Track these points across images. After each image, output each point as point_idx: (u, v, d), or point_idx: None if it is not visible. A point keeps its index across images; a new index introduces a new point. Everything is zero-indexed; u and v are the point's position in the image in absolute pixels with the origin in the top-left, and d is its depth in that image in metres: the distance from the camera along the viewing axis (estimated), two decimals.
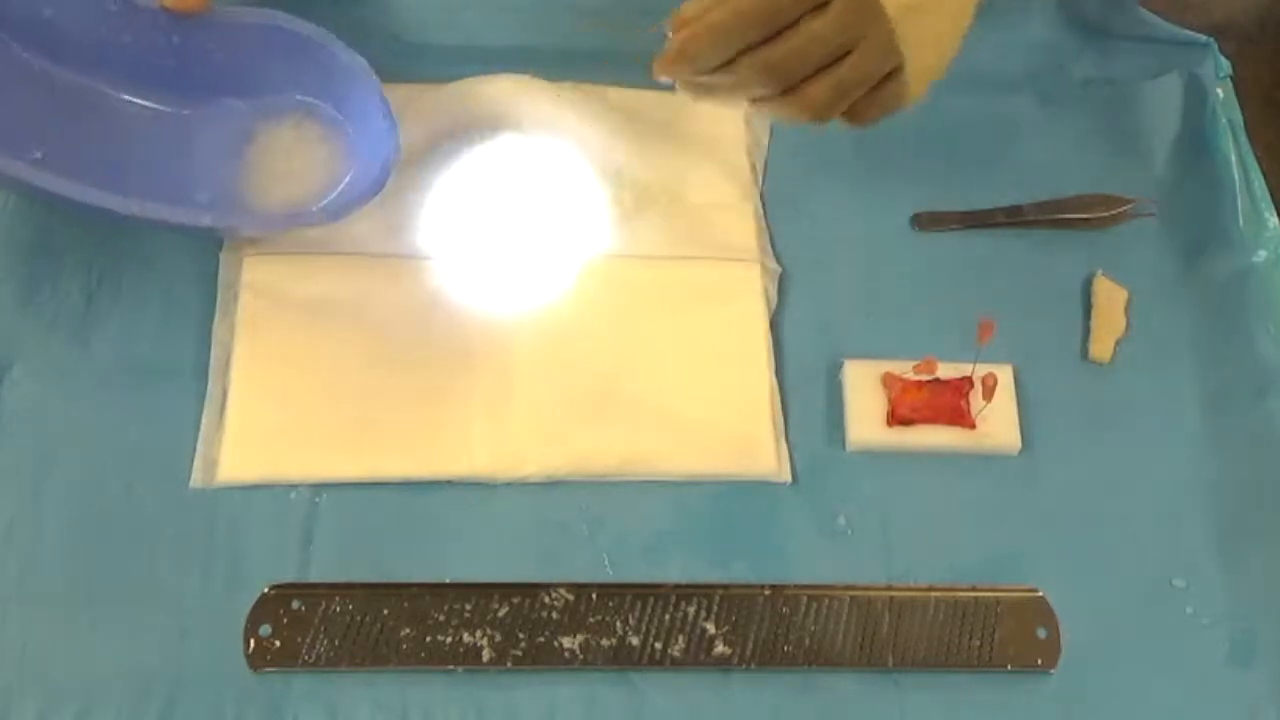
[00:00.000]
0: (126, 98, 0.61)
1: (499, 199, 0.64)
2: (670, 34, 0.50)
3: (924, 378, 0.60)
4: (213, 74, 0.61)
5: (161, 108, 0.62)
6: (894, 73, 0.51)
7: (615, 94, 0.68)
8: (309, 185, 0.61)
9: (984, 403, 0.60)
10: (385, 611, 0.54)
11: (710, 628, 0.54)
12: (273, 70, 0.62)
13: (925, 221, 0.67)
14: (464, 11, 0.69)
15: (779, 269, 0.64)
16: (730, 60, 0.50)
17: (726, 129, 0.68)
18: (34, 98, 0.59)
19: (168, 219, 0.55)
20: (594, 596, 0.55)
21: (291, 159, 0.62)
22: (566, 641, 0.54)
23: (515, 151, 0.64)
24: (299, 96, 0.63)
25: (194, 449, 0.57)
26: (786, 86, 0.50)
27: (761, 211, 0.66)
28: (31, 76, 0.59)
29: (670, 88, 0.53)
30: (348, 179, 0.61)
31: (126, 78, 0.61)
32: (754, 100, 0.53)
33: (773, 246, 0.65)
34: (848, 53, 0.49)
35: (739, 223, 0.65)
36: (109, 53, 0.60)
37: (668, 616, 0.54)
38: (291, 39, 0.60)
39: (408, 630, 0.53)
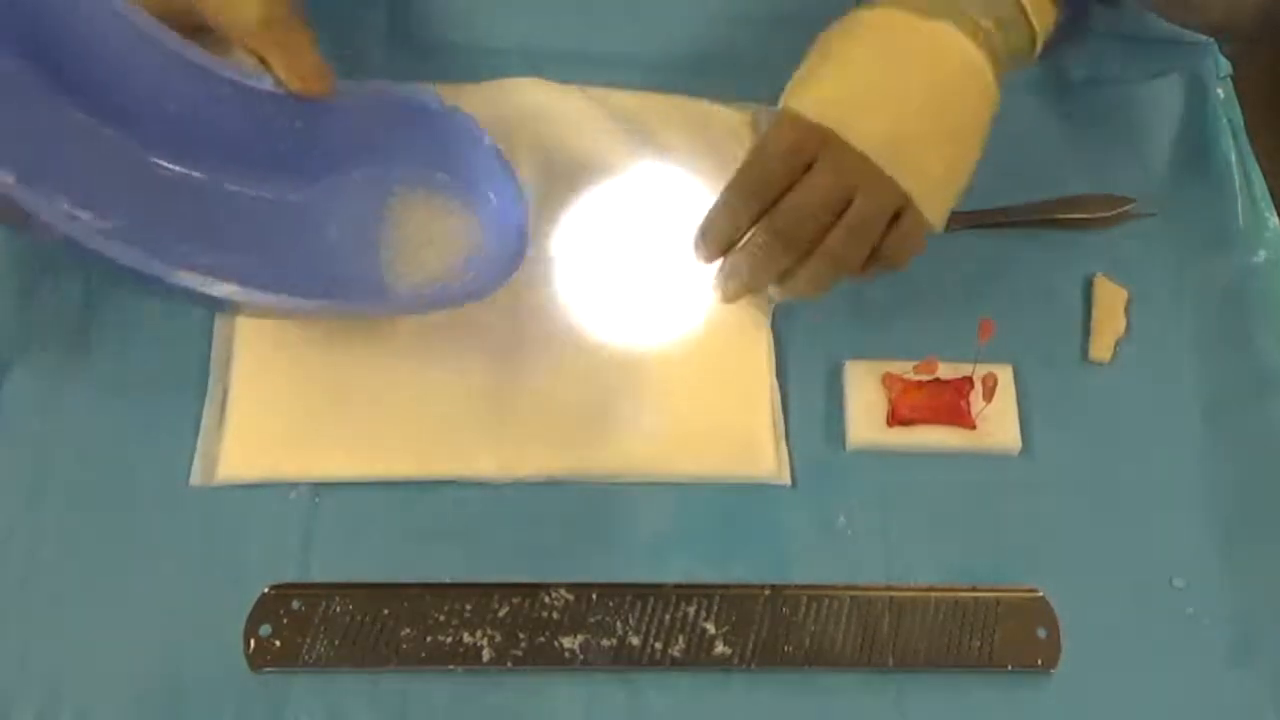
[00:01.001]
0: (247, 190, 0.57)
1: None
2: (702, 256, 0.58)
3: (924, 378, 0.60)
4: (334, 153, 0.58)
5: (284, 193, 0.58)
6: (905, 207, 0.53)
7: (620, 97, 0.68)
8: (446, 259, 0.59)
9: (984, 403, 0.60)
10: (385, 611, 0.54)
11: (710, 628, 0.54)
12: (394, 143, 0.59)
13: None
14: (473, 12, 0.69)
15: None
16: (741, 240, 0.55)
17: (732, 135, 0.68)
18: (173, 201, 0.55)
19: (329, 309, 0.53)
20: (594, 596, 0.55)
21: (428, 233, 0.59)
22: (567, 641, 0.54)
23: (524, 154, 0.64)
24: (422, 169, 0.60)
25: (194, 448, 0.57)
26: (802, 249, 0.54)
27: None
28: (169, 182, 0.55)
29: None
30: (484, 250, 0.59)
31: (247, 166, 0.57)
32: (780, 281, 0.57)
33: None
34: (850, 199, 0.53)
35: None
36: (229, 142, 0.56)
37: (668, 616, 0.54)
38: (410, 109, 0.58)
39: (408, 630, 0.53)
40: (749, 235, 0.56)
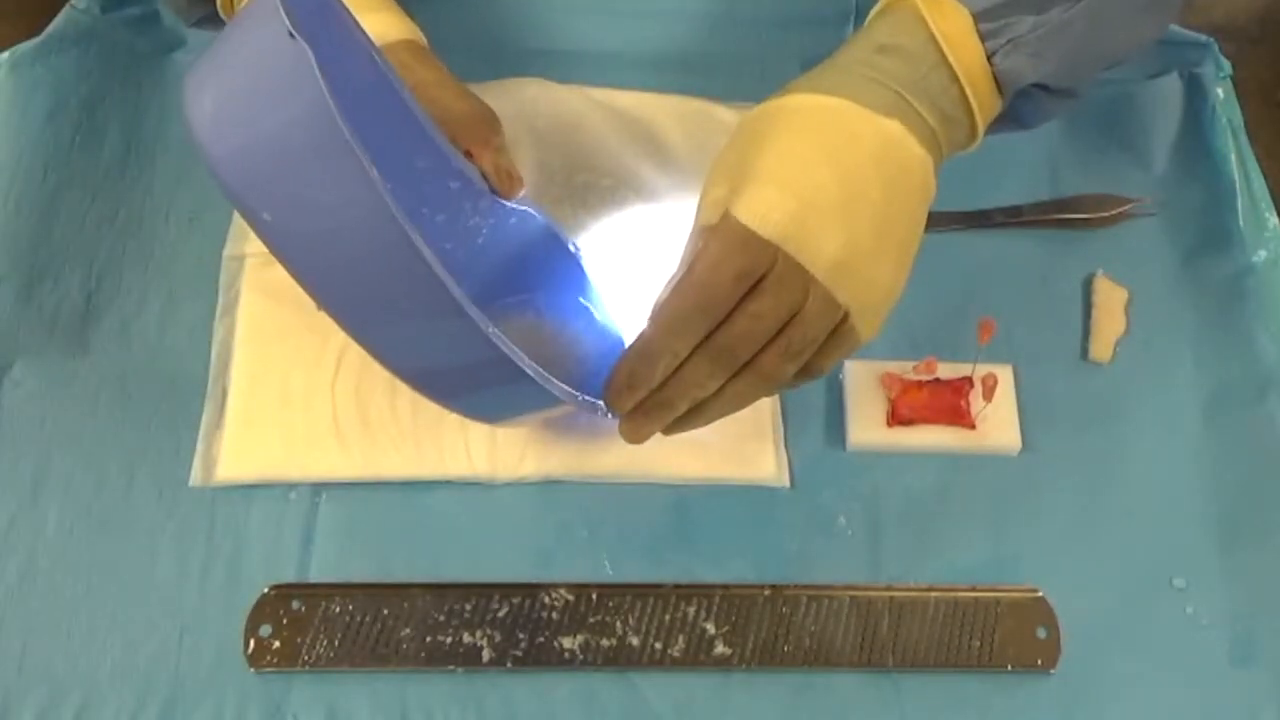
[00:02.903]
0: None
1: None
2: (614, 407, 0.48)
3: (924, 378, 0.60)
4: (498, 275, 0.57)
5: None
6: (841, 323, 0.48)
7: (620, 97, 0.68)
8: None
9: (984, 403, 0.60)
10: (385, 611, 0.54)
11: (710, 628, 0.54)
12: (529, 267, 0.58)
13: (925, 221, 0.67)
14: (474, 13, 0.69)
15: None
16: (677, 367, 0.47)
17: (734, 131, 0.68)
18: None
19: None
20: (594, 596, 0.55)
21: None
22: (566, 642, 0.54)
23: (525, 153, 0.64)
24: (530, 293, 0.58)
25: (194, 449, 0.57)
26: (737, 369, 0.48)
27: None
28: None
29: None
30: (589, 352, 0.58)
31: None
32: (703, 404, 0.49)
33: None
34: (792, 316, 0.47)
35: None
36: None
37: (668, 617, 0.54)
38: (542, 232, 0.58)
39: (408, 630, 0.53)
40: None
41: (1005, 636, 0.55)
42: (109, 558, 0.55)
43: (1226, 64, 0.72)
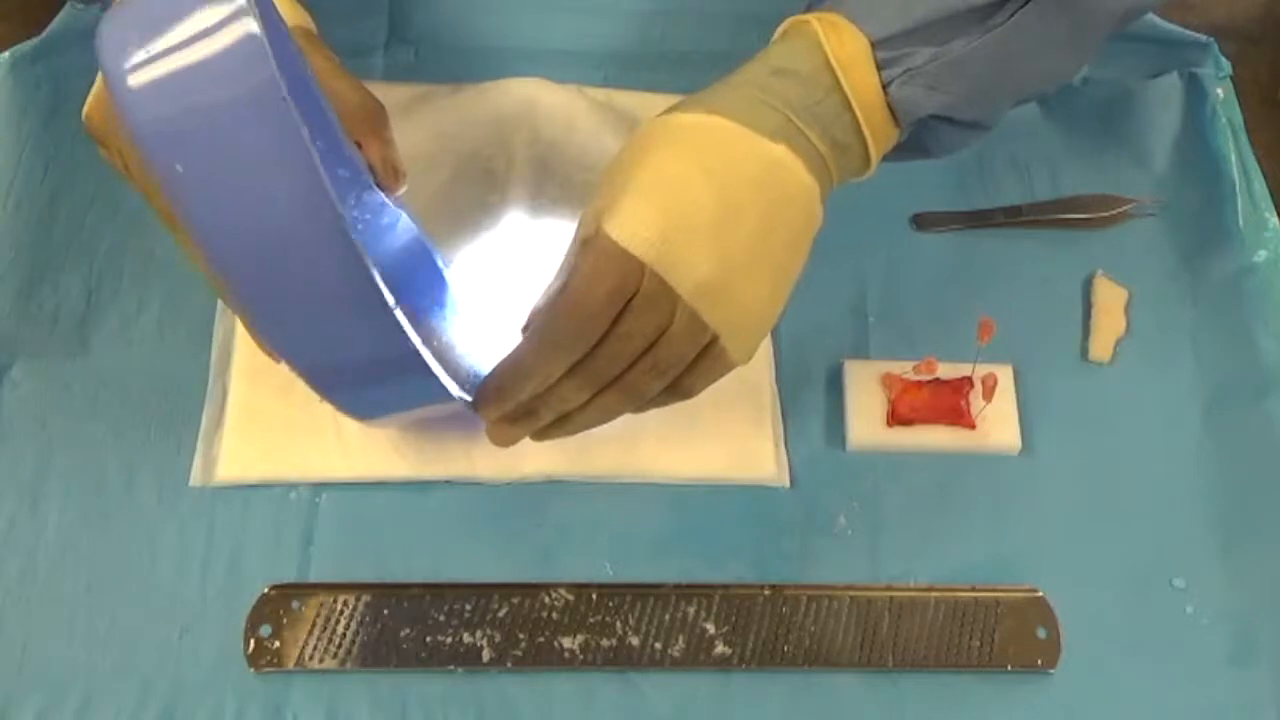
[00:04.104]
0: None
1: (507, 201, 0.64)
2: (485, 416, 0.49)
3: (924, 378, 0.60)
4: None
5: None
6: (710, 344, 0.48)
7: (619, 97, 0.68)
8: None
9: (984, 403, 0.60)
10: (385, 611, 0.54)
11: (710, 628, 0.54)
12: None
13: (925, 221, 0.67)
14: (473, 13, 0.69)
15: None
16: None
17: None
18: None
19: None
20: (594, 596, 0.55)
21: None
22: (566, 641, 0.54)
23: (522, 152, 0.64)
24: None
25: (194, 449, 0.57)
26: (604, 385, 0.48)
27: None
28: None
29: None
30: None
31: None
32: (569, 415, 0.50)
33: None
34: (660, 335, 0.47)
35: None
36: None
37: (668, 616, 0.54)
38: (414, 241, 0.58)
39: (408, 630, 0.53)
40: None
41: (1005, 636, 0.55)
42: (109, 558, 0.55)
43: (1226, 64, 0.72)
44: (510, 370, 0.47)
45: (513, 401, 0.48)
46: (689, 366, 0.48)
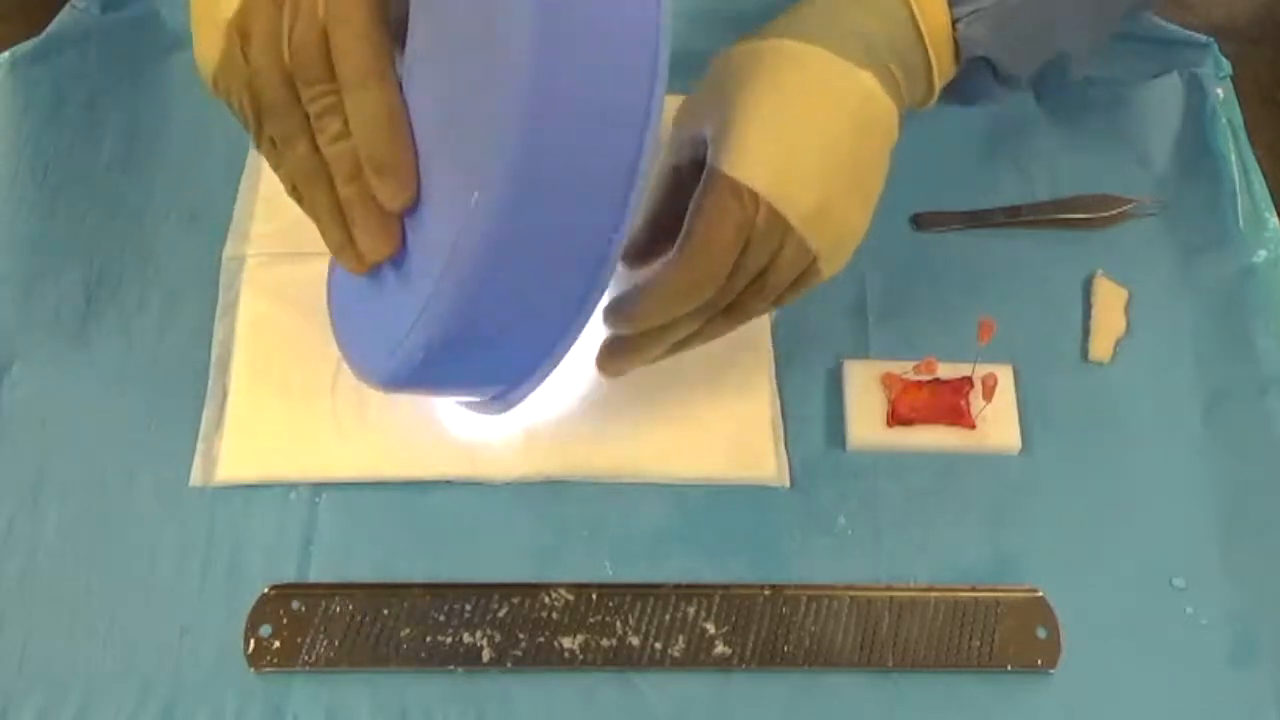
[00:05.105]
0: None
1: None
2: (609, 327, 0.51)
3: (924, 378, 0.60)
4: None
5: None
6: (810, 264, 0.51)
7: None
8: None
9: (984, 403, 0.60)
10: (385, 611, 0.54)
11: (710, 628, 0.54)
12: None
13: (925, 221, 0.67)
14: None
15: None
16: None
17: None
18: None
19: None
20: (594, 596, 0.55)
21: None
22: (566, 641, 0.54)
23: None
24: None
25: (194, 449, 0.57)
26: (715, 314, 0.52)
27: None
28: None
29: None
30: None
31: None
32: (681, 341, 0.53)
33: None
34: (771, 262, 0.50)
35: None
36: None
37: (668, 616, 0.54)
38: None
39: (408, 630, 0.53)
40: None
41: (1005, 636, 0.55)
42: (109, 558, 0.55)
43: (1226, 64, 0.72)
44: (643, 309, 0.50)
45: (645, 324, 0.51)
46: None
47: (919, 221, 0.67)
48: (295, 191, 0.48)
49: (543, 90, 0.39)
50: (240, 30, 0.46)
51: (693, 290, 0.49)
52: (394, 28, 0.48)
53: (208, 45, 0.48)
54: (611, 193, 0.42)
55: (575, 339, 0.46)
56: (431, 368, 0.46)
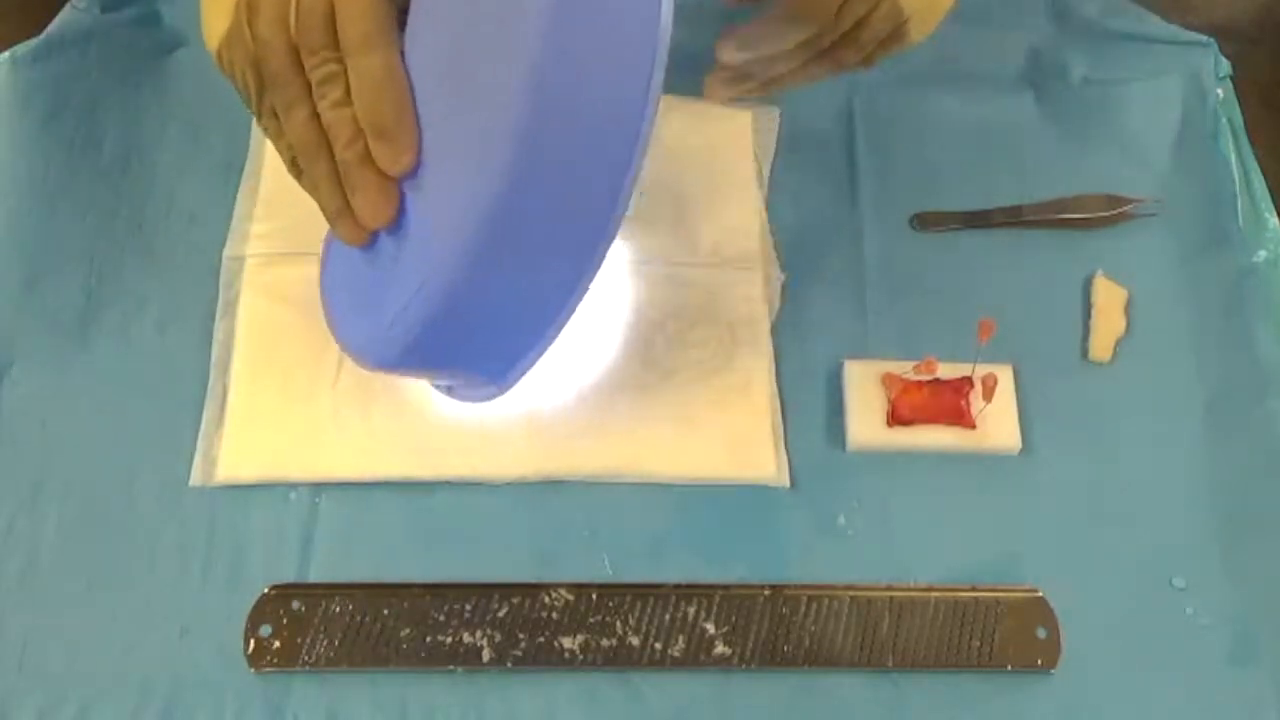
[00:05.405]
0: None
1: None
2: (723, 57, 0.58)
3: (924, 378, 0.60)
4: None
5: None
6: (901, 24, 0.56)
7: None
8: None
9: (984, 403, 0.60)
10: (385, 611, 0.54)
11: (710, 628, 0.54)
12: None
13: (925, 221, 0.67)
14: None
15: (783, 277, 0.64)
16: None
17: (733, 134, 0.68)
18: None
19: None
20: (594, 597, 0.55)
21: None
22: (566, 642, 0.54)
23: None
24: None
25: (194, 448, 0.57)
26: (812, 57, 0.57)
27: (766, 217, 0.66)
28: None
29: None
30: None
31: None
32: (774, 78, 0.59)
33: (774, 249, 0.65)
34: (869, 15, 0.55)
35: (743, 229, 0.65)
36: None
37: (668, 617, 0.54)
38: None
39: (408, 630, 0.53)
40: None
41: (1005, 636, 0.55)
42: (109, 558, 0.55)
43: (1226, 64, 0.72)
44: (754, 32, 0.57)
45: (748, 57, 0.58)
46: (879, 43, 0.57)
47: (919, 221, 0.67)
48: (294, 166, 0.48)
49: (550, 64, 0.39)
50: (249, 4, 0.46)
51: (797, 24, 0.55)
52: (402, 2, 0.48)
53: (215, 19, 0.48)
54: (614, 168, 0.41)
55: (568, 318, 0.45)
56: (426, 345, 0.45)
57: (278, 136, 0.48)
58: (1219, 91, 0.71)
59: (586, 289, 0.45)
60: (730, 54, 0.58)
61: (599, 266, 0.44)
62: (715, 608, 0.55)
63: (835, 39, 0.56)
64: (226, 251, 0.62)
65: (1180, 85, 0.72)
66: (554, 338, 0.46)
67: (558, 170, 0.41)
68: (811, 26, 0.55)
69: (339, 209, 0.47)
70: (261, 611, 0.53)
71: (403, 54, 0.46)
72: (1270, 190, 0.68)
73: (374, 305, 0.47)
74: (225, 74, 0.49)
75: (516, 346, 0.47)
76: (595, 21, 0.40)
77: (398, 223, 0.46)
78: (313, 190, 0.48)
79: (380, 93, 0.44)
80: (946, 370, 0.60)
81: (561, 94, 0.40)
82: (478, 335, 0.46)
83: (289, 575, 0.55)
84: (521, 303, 0.45)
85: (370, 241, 0.47)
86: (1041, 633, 0.55)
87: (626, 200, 0.42)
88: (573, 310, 0.45)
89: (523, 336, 0.46)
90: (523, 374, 0.48)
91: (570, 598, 0.54)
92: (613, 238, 0.43)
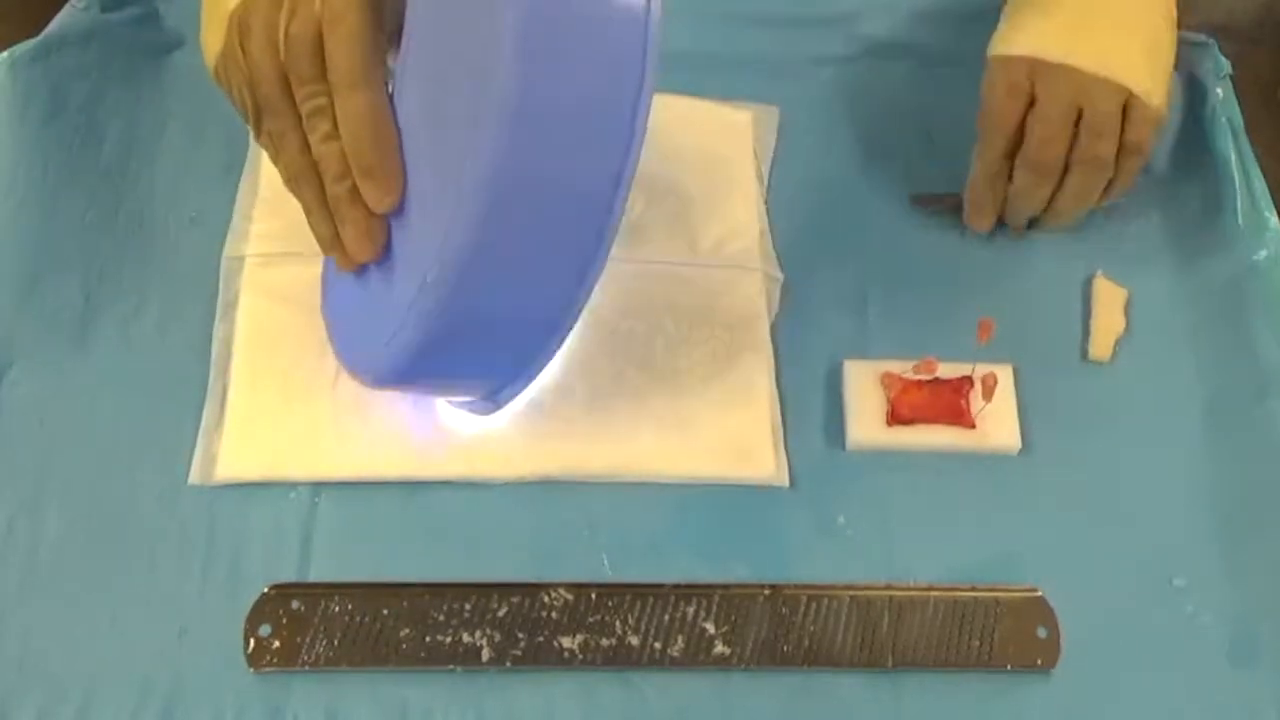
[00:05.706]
0: None
1: None
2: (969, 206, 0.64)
3: (924, 378, 0.60)
4: None
5: None
6: (1129, 101, 0.59)
7: None
8: None
9: (984, 403, 0.60)
10: (385, 611, 0.54)
11: (710, 628, 0.54)
12: None
13: (922, 200, 0.67)
14: None
15: (781, 277, 0.64)
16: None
17: (733, 134, 0.68)
18: None
19: None
20: (594, 596, 0.55)
21: None
22: (566, 641, 0.54)
23: None
24: None
25: (194, 448, 0.57)
26: (1059, 172, 0.61)
27: (766, 217, 0.66)
28: None
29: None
30: None
31: None
32: (1052, 205, 0.63)
33: (774, 249, 0.65)
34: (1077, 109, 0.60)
35: (742, 229, 0.65)
36: None
37: (667, 616, 0.54)
38: None
39: (408, 630, 0.53)
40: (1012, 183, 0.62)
41: (1005, 636, 0.55)
42: (109, 557, 0.55)
43: (1226, 64, 0.72)
44: (971, 188, 0.64)
45: (988, 211, 0.64)
46: (1123, 130, 0.60)
47: (915, 199, 0.67)
48: (292, 184, 0.49)
49: (526, 96, 0.39)
50: (240, 23, 0.46)
51: (984, 144, 0.61)
52: (393, 30, 0.48)
53: (212, 35, 0.48)
54: (597, 198, 0.42)
55: (561, 341, 0.46)
56: (419, 366, 0.46)
57: (275, 157, 0.49)
58: (1219, 91, 0.71)
59: (578, 311, 0.45)
60: (1015, 225, 0.65)
61: (590, 290, 0.44)
62: (715, 607, 0.55)
63: (1058, 143, 0.59)
64: (226, 251, 0.62)
65: (1180, 85, 0.72)
66: (547, 359, 0.47)
67: (542, 196, 0.41)
68: (998, 135, 0.60)
69: (330, 238, 0.48)
70: (261, 611, 0.53)
71: (398, 67, 0.46)
72: (1270, 190, 0.68)
73: (371, 324, 0.48)
74: (223, 91, 0.49)
75: (511, 365, 0.48)
76: (571, 48, 0.40)
77: (390, 247, 0.47)
78: (306, 214, 0.49)
79: (364, 133, 0.45)
80: (946, 370, 0.60)
81: (540, 122, 0.40)
82: (468, 358, 0.47)
83: (289, 575, 0.55)
84: (514, 325, 0.46)
85: (363, 268, 0.48)
86: (1041, 632, 0.55)
87: (614, 231, 0.43)
88: (567, 330, 0.46)
89: (515, 358, 0.47)
90: (519, 391, 0.49)
91: (569, 597, 0.54)
92: (602, 265, 0.44)
